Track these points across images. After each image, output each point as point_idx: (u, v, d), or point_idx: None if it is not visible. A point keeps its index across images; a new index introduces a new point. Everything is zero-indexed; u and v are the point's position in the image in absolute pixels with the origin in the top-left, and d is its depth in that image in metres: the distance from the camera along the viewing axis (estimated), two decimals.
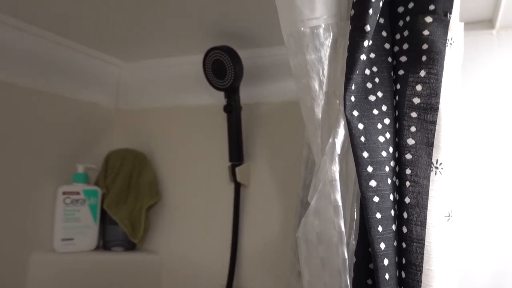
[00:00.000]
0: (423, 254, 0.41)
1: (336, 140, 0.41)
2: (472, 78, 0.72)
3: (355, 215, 0.43)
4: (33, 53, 0.91)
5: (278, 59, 0.92)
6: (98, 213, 0.98)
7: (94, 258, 0.95)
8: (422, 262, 0.42)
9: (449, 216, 0.45)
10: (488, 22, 0.72)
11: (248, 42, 0.91)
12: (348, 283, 0.42)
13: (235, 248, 0.91)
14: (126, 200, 1.00)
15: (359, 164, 0.40)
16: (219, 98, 0.96)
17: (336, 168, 0.40)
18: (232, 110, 0.89)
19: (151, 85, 1.11)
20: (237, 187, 0.92)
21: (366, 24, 0.42)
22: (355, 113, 0.42)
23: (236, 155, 0.91)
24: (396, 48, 0.47)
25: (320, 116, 0.43)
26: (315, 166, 0.44)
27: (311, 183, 0.44)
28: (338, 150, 0.41)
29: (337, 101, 0.44)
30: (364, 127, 0.42)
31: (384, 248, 0.41)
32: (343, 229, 0.40)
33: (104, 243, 1.00)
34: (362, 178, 0.41)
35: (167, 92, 1.08)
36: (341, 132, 0.42)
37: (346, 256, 0.42)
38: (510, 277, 0.66)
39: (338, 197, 0.40)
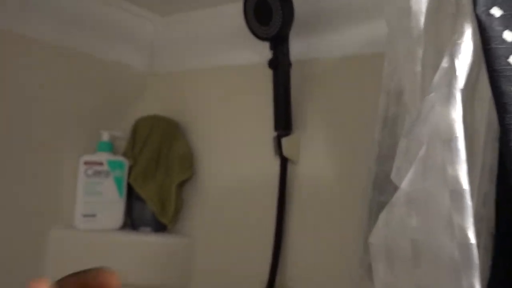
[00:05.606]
0: None
1: (456, 61, 0.22)
2: None
3: (487, 211, 0.23)
4: (55, 6, 0.82)
5: (339, 1, 0.74)
6: (124, 187, 0.87)
7: (116, 237, 0.85)
8: None
9: None
10: None
11: None
12: None
13: (280, 238, 0.77)
14: (155, 175, 0.88)
15: (506, 104, 0.21)
16: (263, 54, 0.79)
17: (456, 115, 0.21)
18: (279, 65, 0.74)
19: (187, 43, 0.98)
20: (284, 162, 0.78)
21: None
22: (496, 11, 0.22)
23: (283, 123, 0.76)
24: None
25: (421, 23, 0.24)
26: (407, 118, 0.25)
27: (398, 148, 0.25)
28: (460, 82, 0.22)
29: None
30: None
31: None
32: (472, 238, 0.21)
33: (132, 222, 0.89)
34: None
35: (205, 50, 0.94)
36: (467, 48, 0.22)
37: None
38: None
39: (461, 172, 0.21)
